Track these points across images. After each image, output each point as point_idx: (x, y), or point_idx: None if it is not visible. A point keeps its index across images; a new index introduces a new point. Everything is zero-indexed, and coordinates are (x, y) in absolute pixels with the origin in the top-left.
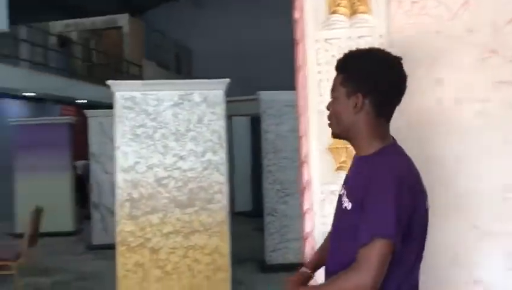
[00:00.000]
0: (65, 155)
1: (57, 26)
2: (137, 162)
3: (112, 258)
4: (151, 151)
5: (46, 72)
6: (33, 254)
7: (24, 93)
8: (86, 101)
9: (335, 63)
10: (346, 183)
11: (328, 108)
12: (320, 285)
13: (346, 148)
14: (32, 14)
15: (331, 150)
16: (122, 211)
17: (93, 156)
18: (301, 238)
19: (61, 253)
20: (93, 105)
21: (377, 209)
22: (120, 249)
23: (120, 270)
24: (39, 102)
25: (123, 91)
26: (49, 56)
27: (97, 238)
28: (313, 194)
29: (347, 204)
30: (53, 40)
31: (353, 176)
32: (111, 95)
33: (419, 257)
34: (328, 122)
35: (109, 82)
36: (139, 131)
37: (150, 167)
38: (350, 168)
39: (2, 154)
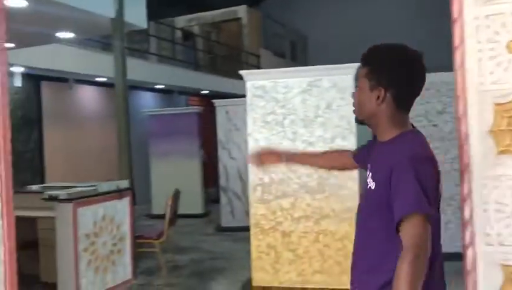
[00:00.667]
0: (194, 142)
1: (181, 21)
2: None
3: (240, 240)
4: (281, 138)
5: (173, 65)
6: (171, 234)
7: (155, 86)
8: (208, 91)
9: (503, 40)
10: (371, 167)
11: (352, 96)
12: (396, 283)
13: (511, 130)
14: (159, 10)
15: (494, 132)
16: (254, 195)
17: (220, 143)
18: (460, 225)
19: (194, 233)
20: (215, 95)
21: (405, 189)
22: (253, 231)
23: (254, 252)
24: (167, 93)
25: (254, 80)
26: (176, 49)
27: (225, 221)
28: (472, 178)
29: (371, 184)
30: (178, 34)
31: (376, 159)
32: (232, 85)
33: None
34: (353, 108)
35: (242, 72)
36: (269, 118)
37: None
38: (373, 153)
39: (140, 142)
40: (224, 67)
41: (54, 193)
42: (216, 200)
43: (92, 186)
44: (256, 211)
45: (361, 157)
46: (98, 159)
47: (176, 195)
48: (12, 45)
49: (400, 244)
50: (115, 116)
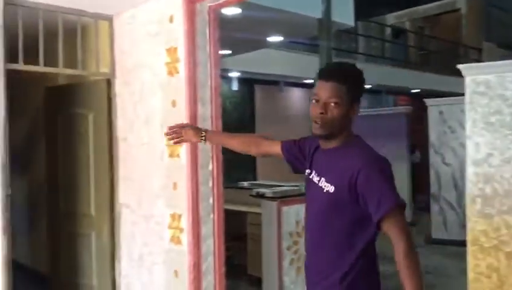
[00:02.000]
0: (402, 145)
1: (391, 18)
2: (490, 154)
3: (452, 255)
4: (509, 143)
5: (382, 64)
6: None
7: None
8: (419, 90)
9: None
10: (324, 171)
11: (325, 112)
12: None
13: None
14: (368, 9)
15: None
16: (472, 208)
17: (432, 146)
18: None
19: None
20: (427, 94)
21: (380, 187)
22: (471, 249)
23: (471, 272)
24: (374, 93)
25: (475, 75)
26: (385, 48)
27: (436, 232)
28: None
29: (329, 188)
30: (388, 32)
31: (331, 164)
32: (447, 83)
33: None
34: (318, 124)
35: (460, 66)
36: (493, 119)
37: (506, 161)
38: (320, 158)
39: None
40: (437, 64)
41: (261, 190)
42: (424, 209)
43: (295, 186)
44: (475, 226)
45: (289, 153)
46: None
47: None
48: (228, 52)
49: (359, 239)
50: None
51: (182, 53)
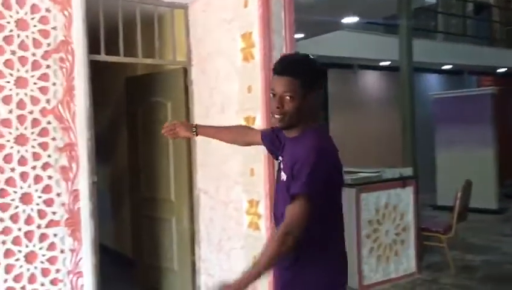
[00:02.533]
0: (487, 128)
1: None
2: None
3: None
4: None
5: (463, 42)
6: (459, 229)
7: (441, 67)
8: (506, 69)
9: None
10: (283, 160)
11: (281, 106)
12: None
13: None
14: None
15: None
16: None
17: None
18: None
19: (487, 232)
20: None
21: (300, 173)
22: None
23: None
24: (455, 74)
25: None
26: (466, 25)
27: None
28: None
29: (283, 177)
30: (469, 8)
31: (287, 154)
32: None
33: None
34: (278, 117)
35: None
36: None
37: None
38: (285, 147)
39: (424, 128)
40: None
41: None
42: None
43: (375, 172)
44: None
45: (268, 141)
46: (377, 144)
47: (467, 187)
48: (301, 35)
49: (314, 225)
50: (398, 100)
51: (257, 38)
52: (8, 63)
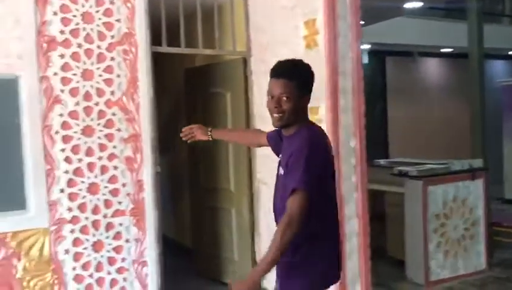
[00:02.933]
0: None
1: None
2: None
3: None
4: None
5: None
6: None
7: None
8: None
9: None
10: (282, 156)
11: (279, 106)
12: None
13: None
14: None
15: None
16: None
17: None
18: None
19: None
20: None
21: (297, 169)
22: None
23: None
24: None
25: None
26: None
27: None
28: None
29: (281, 171)
30: None
31: (285, 150)
32: None
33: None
34: (278, 116)
35: None
36: None
37: None
38: (283, 145)
39: (492, 117)
40: None
41: (403, 168)
42: None
43: (443, 164)
44: None
45: (273, 142)
46: (440, 134)
47: None
48: (361, 22)
49: (311, 217)
50: (463, 88)
51: (321, 24)
52: (74, 56)
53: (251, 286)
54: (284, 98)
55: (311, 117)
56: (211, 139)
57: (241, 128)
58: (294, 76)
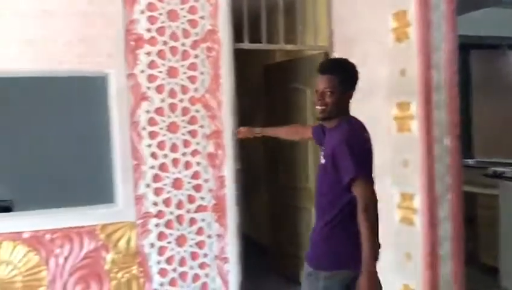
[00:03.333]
0: None
1: None
2: None
3: None
4: None
5: None
6: None
7: None
8: None
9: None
10: (325, 147)
11: (322, 99)
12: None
13: None
14: None
15: None
16: None
17: None
18: None
19: None
20: None
21: (347, 159)
22: None
23: None
24: None
25: None
26: None
27: None
28: None
29: (323, 161)
30: None
31: (328, 141)
32: None
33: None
34: (321, 108)
35: None
36: None
37: None
38: (326, 136)
39: None
40: None
41: (498, 169)
42: None
43: None
44: None
45: (316, 135)
46: None
47: None
48: None
49: (338, 199)
50: None
51: (412, 16)
52: (160, 54)
53: (374, 277)
54: (328, 92)
55: (402, 113)
56: (258, 135)
57: (285, 126)
58: (338, 71)
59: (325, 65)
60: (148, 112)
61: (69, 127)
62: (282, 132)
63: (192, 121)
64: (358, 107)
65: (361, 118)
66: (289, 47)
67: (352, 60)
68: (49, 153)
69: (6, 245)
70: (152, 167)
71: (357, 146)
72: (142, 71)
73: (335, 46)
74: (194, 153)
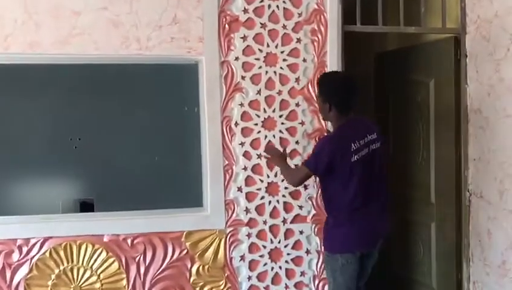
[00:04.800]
0: None
1: None
2: None
3: None
4: None
5: None
6: None
7: None
8: None
9: None
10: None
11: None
12: (285, 166)
13: None
14: None
15: None
16: None
17: None
18: None
19: None
20: None
21: (312, 152)
22: None
23: None
24: None
25: None
26: None
27: None
28: None
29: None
30: None
31: None
32: None
33: (341, 194)
34: None
35: None
36: None
37: None
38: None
39: None
40: None
41: None
42: None
43: None
44: None
45: None
46: None
47: None
48: None
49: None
50: None
51: None
52: (258, 38)
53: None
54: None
55: None
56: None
57: None
58: (318, 83)
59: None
60: (241, 105)
61: (155, 121)
62: None
63: (291, 116)
64: (499, 105)
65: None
66: (411, 29)
67: (490, 44)
68: (133, 149)
69: (85, 248)
70: (244, 169)
71: (322, 146)
72: (237, 58)
73: (468, 28)
74: (293, 153)
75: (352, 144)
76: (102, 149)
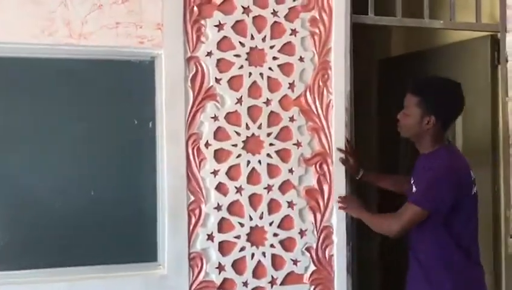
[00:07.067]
0: None
1: None
2: None
3: None
4: None
5: None
6: None
7: None
8: None
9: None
10: (414, 176)
11: (398, 119)
12: (369, 214)
13: None
14: None
15: None
16: None
17: None
18: None
19: None
20: None
21: (422, 186)
22: None
23: None
24: None
25: None
26: None
27: None
28: None
29: (414, 189)
30: None
31: (418, 169)
32: None
33: (468, 227)
34: (398, 127)
35: None
36: None
37: None
38: (416, 163)
39: None
40: None
41: None
42: None
43: None
44: None
45: None
46: None
47: None
48: None
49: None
50: None
51: None
52: (238, 27)
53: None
54: (404, 113)
55: None
56: (357, 177)
57: (393, 174)
58: (420, 91)
59: (411, 83)
60: (215, 118)
61: (91, 140)
62: (388, 182)
63: (283, 135)
64: None
65: None
66: (438, 24)
67: None
68: (58, 180)
69: None
70: (218, 208)
71: (436, 178)
72: (209, 53)
73: (510, 25)
74: (285, 186)
75: (471, 171)
76: (8, 181)
